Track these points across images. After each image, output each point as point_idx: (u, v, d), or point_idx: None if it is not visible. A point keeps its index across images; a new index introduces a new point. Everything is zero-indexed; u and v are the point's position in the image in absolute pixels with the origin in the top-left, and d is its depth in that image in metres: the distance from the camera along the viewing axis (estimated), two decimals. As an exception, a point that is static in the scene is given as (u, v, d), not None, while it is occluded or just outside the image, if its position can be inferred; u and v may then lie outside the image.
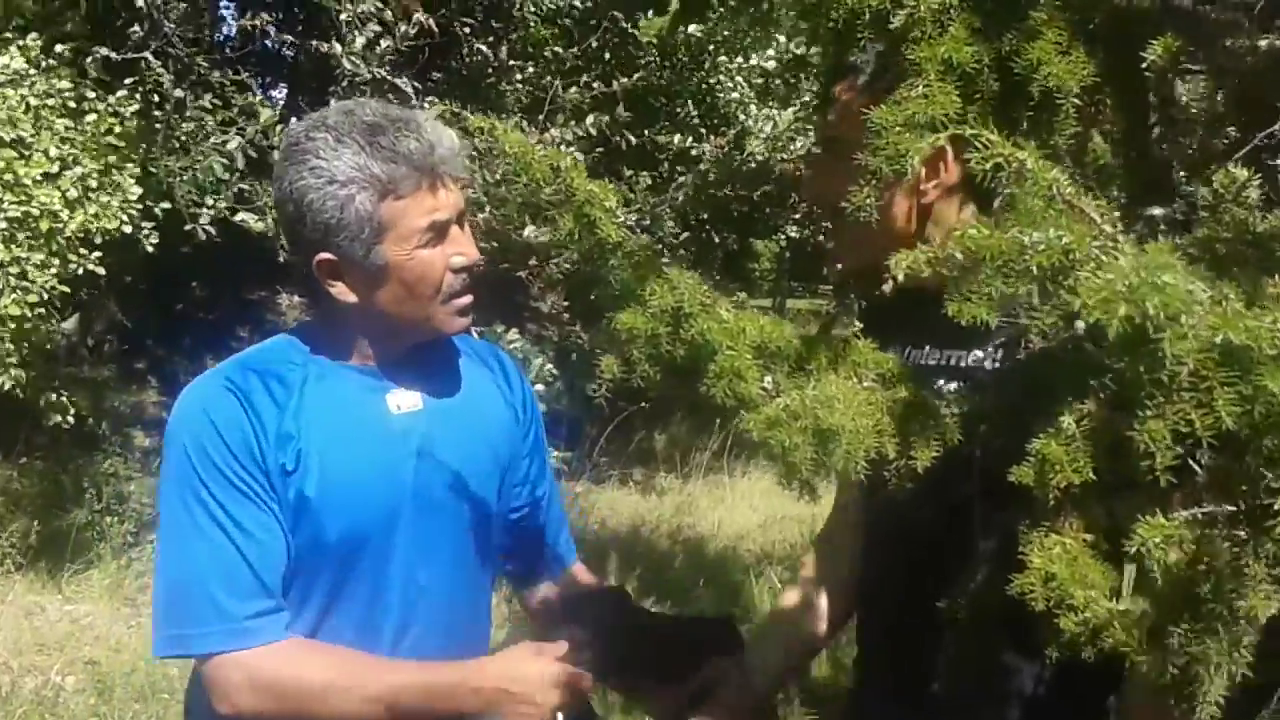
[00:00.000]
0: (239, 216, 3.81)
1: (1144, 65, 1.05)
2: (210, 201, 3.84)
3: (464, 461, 1.52)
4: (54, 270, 3.33)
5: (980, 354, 1.33)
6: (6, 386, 3.50)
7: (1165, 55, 1.03)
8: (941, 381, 1.34)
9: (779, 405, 0.81)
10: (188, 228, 3.79)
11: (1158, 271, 0.70)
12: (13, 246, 3.28)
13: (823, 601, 1.58)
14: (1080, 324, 0.72)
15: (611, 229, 0.85)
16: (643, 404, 5.26)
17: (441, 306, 1.45)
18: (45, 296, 3.40)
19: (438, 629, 1.52)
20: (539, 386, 4.61)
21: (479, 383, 1.60)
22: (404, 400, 1.49)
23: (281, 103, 6.37)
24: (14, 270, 3.27)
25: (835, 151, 1.32)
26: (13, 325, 3.30)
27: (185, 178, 3.85)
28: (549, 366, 4.62)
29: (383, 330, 1.47)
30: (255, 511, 1.39)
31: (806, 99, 6.29)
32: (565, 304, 5.62)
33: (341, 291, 1.42)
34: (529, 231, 4.84)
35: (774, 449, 0.81)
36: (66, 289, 3.46)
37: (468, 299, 1.47)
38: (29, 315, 3.32)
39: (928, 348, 1.38)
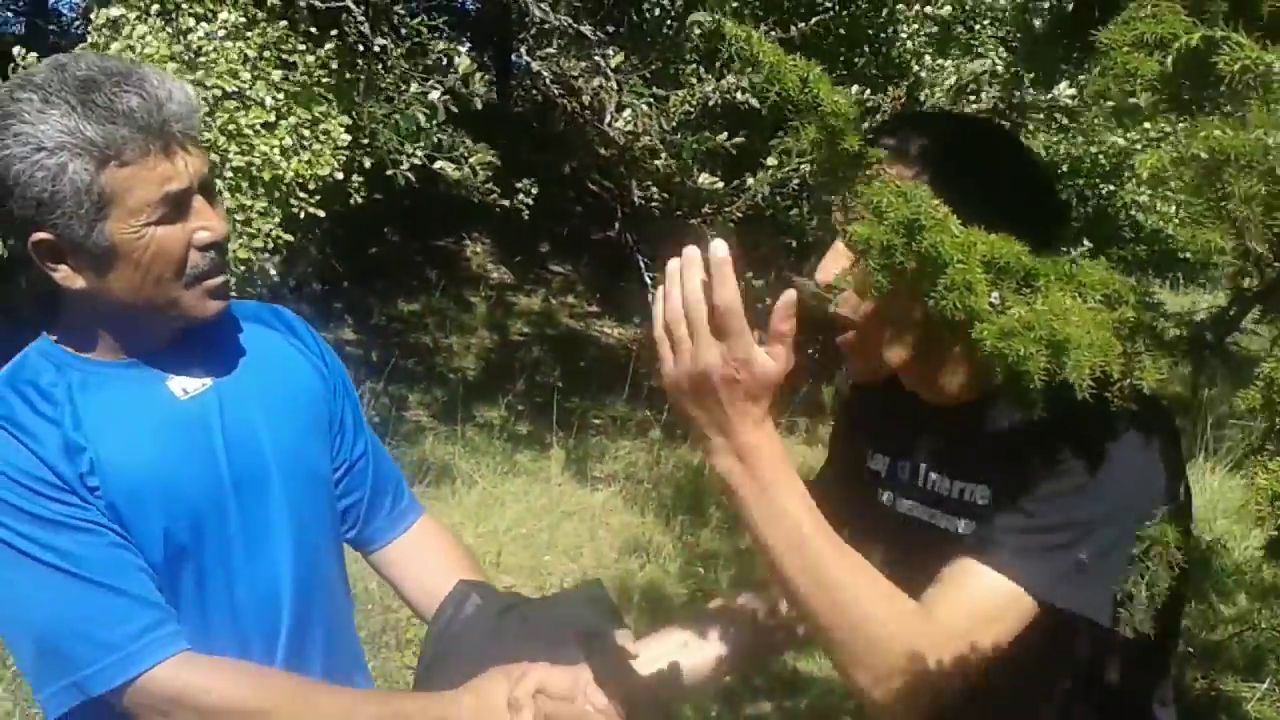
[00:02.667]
0: (437, 164, 3.98)
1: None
2: (410, 150, 4.01)
3: (278, 436, 1.39)
4: (276, 217, 3.55)
5: (974, 488, 1.28)
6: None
7: None
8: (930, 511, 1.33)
9: (1013, 315, 0.85)
10: (389, 173, 3.98)
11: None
12: (238, 195, 3.51)
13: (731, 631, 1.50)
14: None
15: (854, 140, 0.89)
16: (810, 352, 5.24)
17: (187, 290, 1.28)
18: (270, 243, 3.63)
19: (316, 615, 1.43)
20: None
21: (268, 347, 1.44)
22: (188, 384, 1.34)
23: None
24: (240, 217, 3.50)
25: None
26: (241, 269, 3.56)
27: (387, 125, 4.05)
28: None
29: (125, 319, 1.30)
30: (81, 536, 1.24)
31: (987, 49, 6.10)
32: (737, 252, 5.65)
33: (66, 276, 1.25)
34: (703, 179, 4.88)
35: (1007, 359, 0.85)
36: (289, 236, 3.67)
37: (219, 279, 1.30)
38: (254, 259, 3.57)
39: (924, 468, 1.34)
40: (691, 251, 1.09)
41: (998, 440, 1.24)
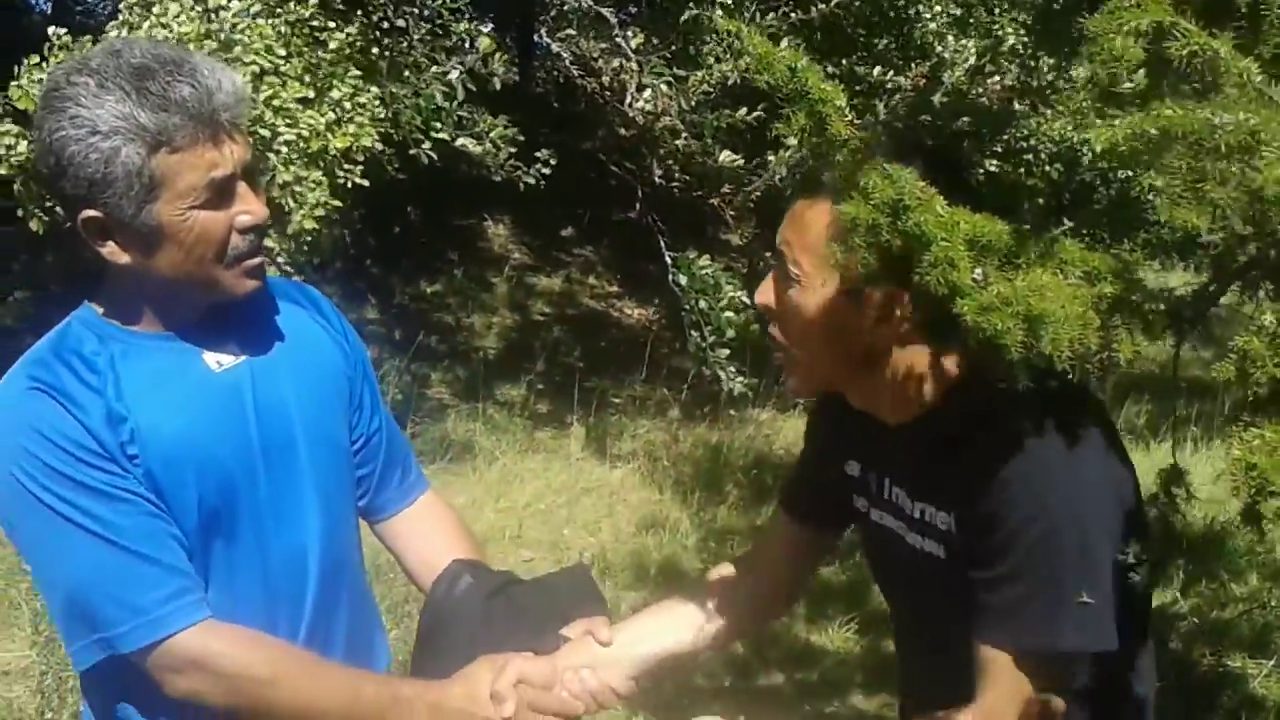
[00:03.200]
0: (459, 142, 4.03)
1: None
2: (436, 126, 4.05)
3: (306, 409, 1.45)
4: (326, 188, 3.61)
5: (934, 512, 1.32)
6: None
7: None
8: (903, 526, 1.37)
9: (992, 292, 0.90)
10: (411, 153, 4.04)
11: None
12: (293, 167, 3.57)
13: (709, 611, 1.57)
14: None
15: (840, 125, 0.94)
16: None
17: (227, 270, 1.34)
18: (332, 213, 3.69)
19: (340, 577, 1.51)
20: (729, 314, 4.72)
21: (297, 324, 1.50)
22: (222, 358, 1.40)
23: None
24: (298, 189, 3.56)
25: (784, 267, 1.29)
26: (310, 239, 3.64)
27: (409, 104, 4.10)
28: (739, 294, 4.71)
29: (167, 294, 1.36)
30: (119, 505, 1.30)
31: (1009, 29, 6.08)
32: (755, 232, 5.69)
33: (113, 252, 1.31)
34: (724, 157, 4.91)
35: (986, 332, 0.90)
36: (339, 202, 3.73)
37: (257, 259, 1.36)
38: (320, 228, 3.62)
39: (888, 482, 1.38)
40: None
41: (950, 463, 1.28)
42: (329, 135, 3.61)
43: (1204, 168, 0.83)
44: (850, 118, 0.94)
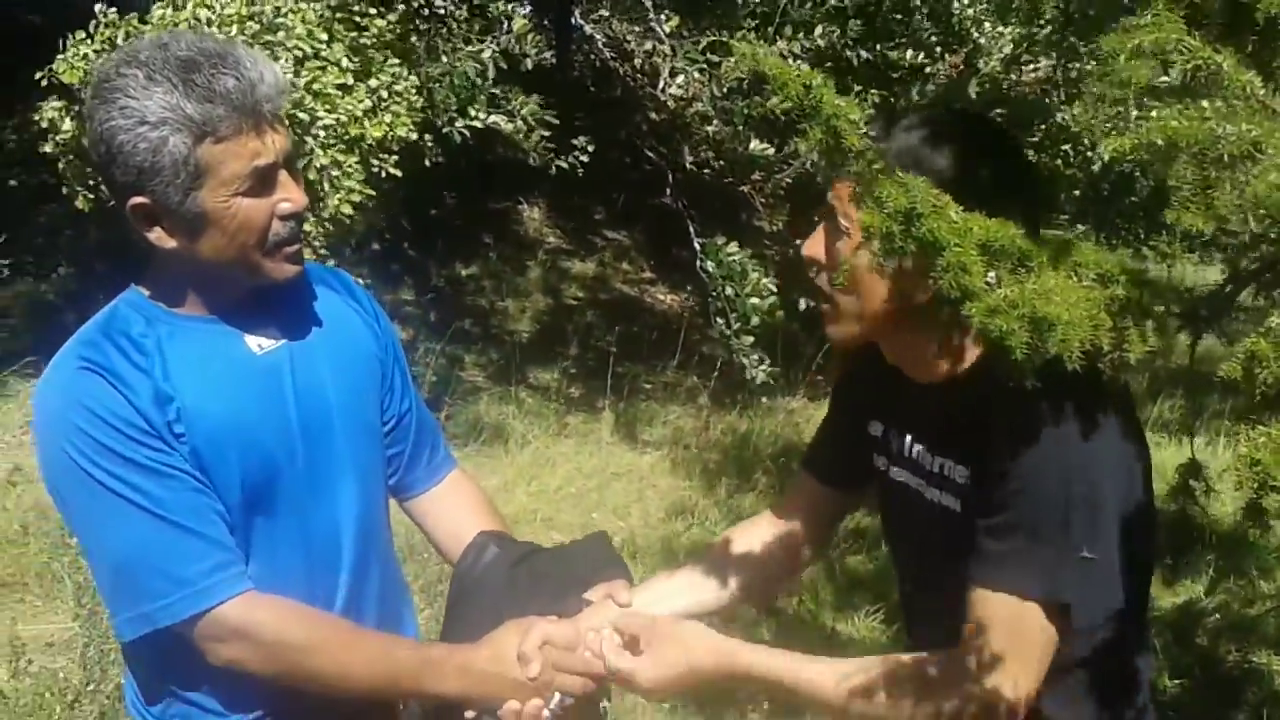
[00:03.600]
0: (490, 119, 4.07)
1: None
2: (471, 108, 4.09)
3: (341, 390, 1.51)
4: (361, 175, 3.66)
5: (953, 466, 1.37)
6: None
7: None
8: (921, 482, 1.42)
9: (999, 295, 0.93)
10: (445, 131, 4.08)
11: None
12: (330, 151, 3.63)
13: (729, 569, 1.63)
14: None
15: (854, 138, 0.97)
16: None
17: (268, 256, 1.39)
18: (366, 200, 3.75)
19: (373, 550, 1.57)
20: (754, 300, 4.74)
21: (332, 308, 1.56)
22: (263, 341, 1.46)
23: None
24: (336, 173, 3.62)
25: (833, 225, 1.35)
26: (347, 222, 3.70)
27: (443, 84, 4.14)
28: (766, 280, 4.73)
29: (210, 278, 1.41)
30: (165, 480, 1.35)
31: (1050, 16, 6.02)
32: (786, 220, 5.69)
33: (159, 237, 1.37)
34: (755, 145, 4.93)
35: (992, 334, 0.93)
36: (372, 191, 3.78)
37: (296, 246, 1.42)
38: (356, 215, 3.69)
39: (909, 439, 1.44)
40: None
41: (975, 421, 1.33)
42: (365, 122, 3.66)
43: (1209, 176, 0.85)
44: (864, 131, 0.96)
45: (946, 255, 0.94)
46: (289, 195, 1.39)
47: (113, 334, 1.40)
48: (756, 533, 1.66)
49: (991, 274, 1.00)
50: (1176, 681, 3.63)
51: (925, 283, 1.25)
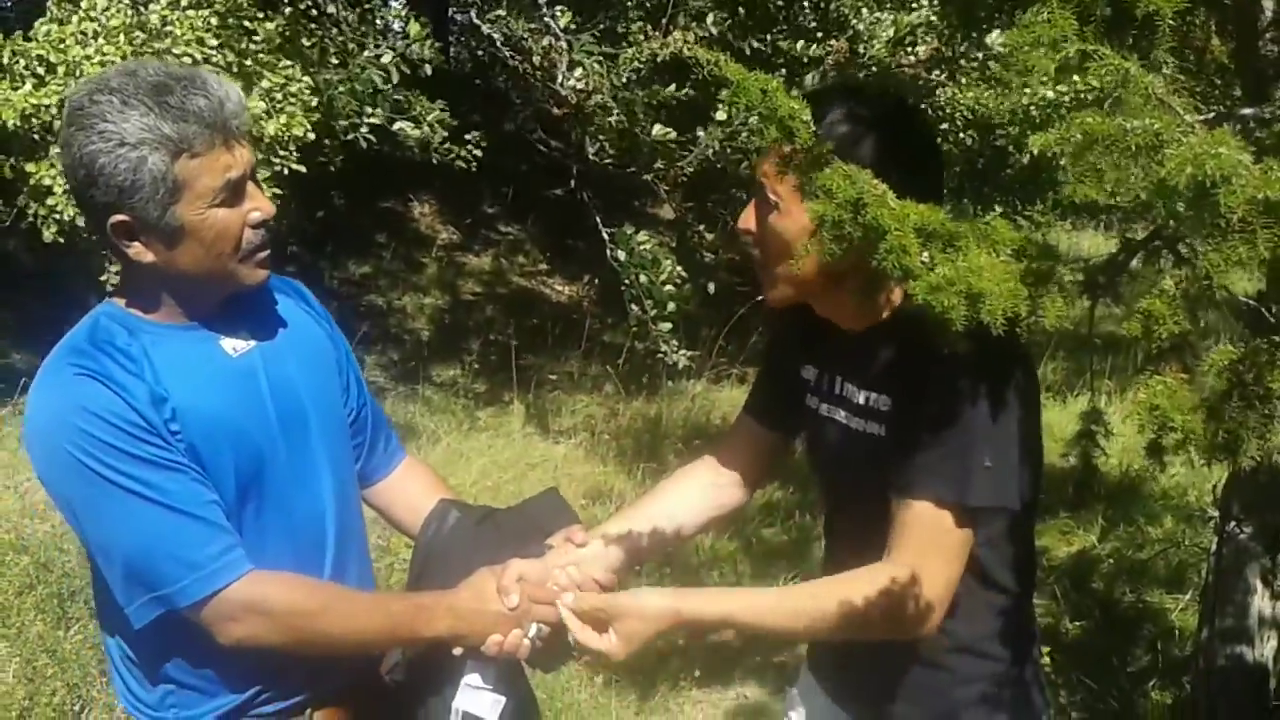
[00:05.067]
0: (396, 125, 4.10)
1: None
2: (371, 112, 4.12)
3: (311, 387, 1.60)
4: (265, 174, 3.65)
5: (877, 397, 1.55)
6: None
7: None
8: (843, 414, 1.60)
9: (939, 274, 1.05)
10: (349, 137, 4.09)
11: (1218, 146, 0.96)
12: None
13: (677, 504, 1.80)
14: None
15: (807, 135, 1.08)
16: (759, 299, 5.45)
17: (242, 263, 1.46)
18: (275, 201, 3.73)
19: (350, 533, 1.66)
20: (668, 287, 4.86)
21: (292, 312, 1.65)
22: (237, 344, 1.54)
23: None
24: None
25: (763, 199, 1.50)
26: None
27: (343, 89, 4.15)
28: (678, 269, 4.84)
29: (187, 287, 1.48)
30: (167, 473, 1.42)
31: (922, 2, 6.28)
32: (688, 206, 5.83)
33: (138, 251, 1.43)
34: (656, 130, 5.03)
35: (935, 309, 1.05)
36: (279, 190, 3.77)
37: (266, 252, 1.49)
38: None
39: (839, 379, 1.62)
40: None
41: (898, 357, 1.52)
42: (262, 123, 3.67)
43: (1115, 161, 1.00)
44: (814, 129, 1.08)
45: (888, 239, 1.05)
46: (258, 204, 1.47)
47: (99, 343, 1.46)
48: (703, 469, 1.83)
49: (925, 254, 1.12)
50: (1078, 624, 3.90)
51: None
